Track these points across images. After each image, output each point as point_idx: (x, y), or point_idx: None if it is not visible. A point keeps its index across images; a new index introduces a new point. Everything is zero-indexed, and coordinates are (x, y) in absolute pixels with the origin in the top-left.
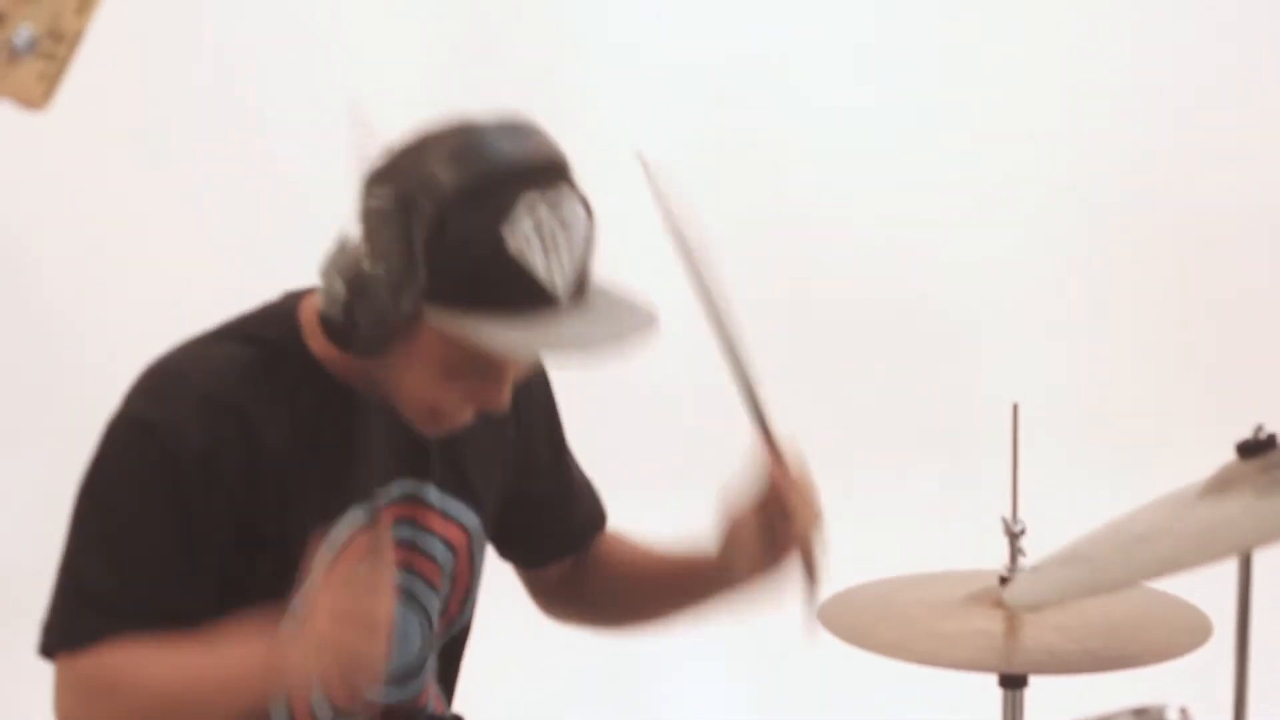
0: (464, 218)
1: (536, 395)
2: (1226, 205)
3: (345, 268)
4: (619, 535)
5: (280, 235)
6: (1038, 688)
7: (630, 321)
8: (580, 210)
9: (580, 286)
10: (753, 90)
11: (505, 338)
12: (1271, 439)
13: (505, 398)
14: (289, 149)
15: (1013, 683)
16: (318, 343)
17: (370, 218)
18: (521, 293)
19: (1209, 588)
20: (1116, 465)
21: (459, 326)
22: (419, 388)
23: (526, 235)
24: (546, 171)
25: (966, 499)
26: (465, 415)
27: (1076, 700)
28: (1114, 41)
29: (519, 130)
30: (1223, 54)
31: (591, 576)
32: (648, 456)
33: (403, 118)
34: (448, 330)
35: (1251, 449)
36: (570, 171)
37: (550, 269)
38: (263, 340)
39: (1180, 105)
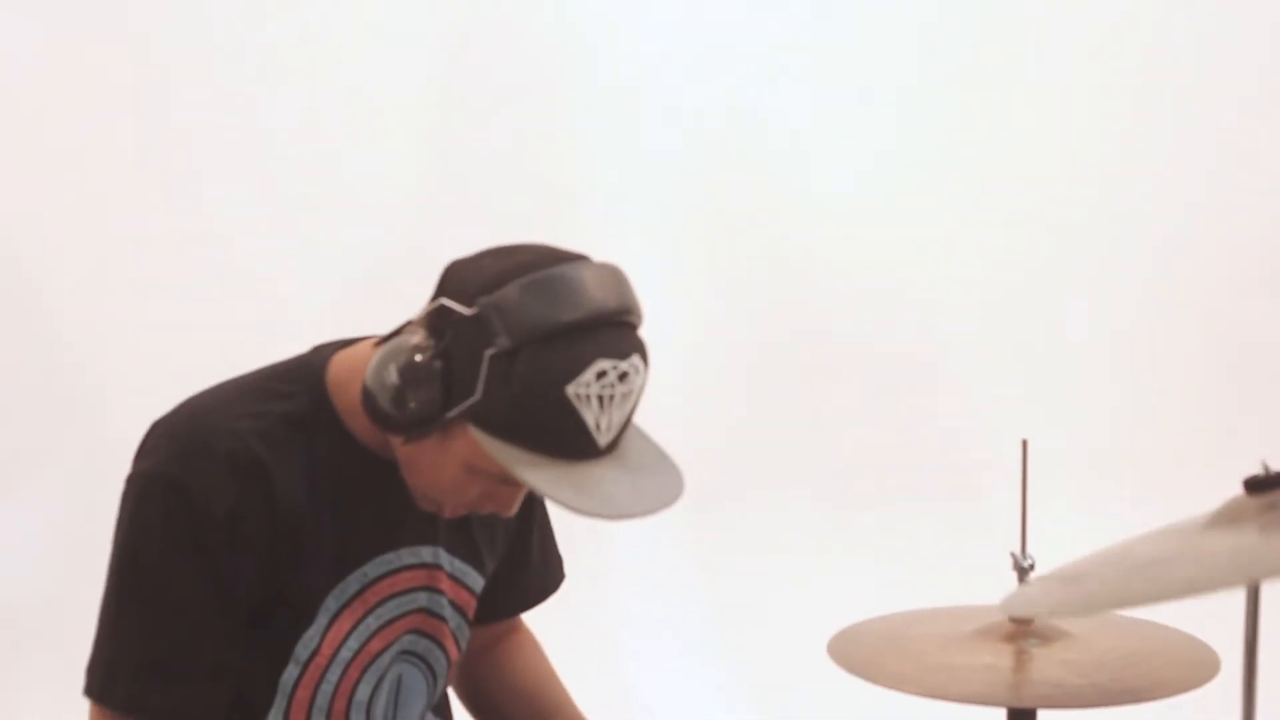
0: (535, 362)
1: None
2: (1238, 240)
3: (403, 357)
4: (541, 655)
5: (284, 238)
6: None
7: (655, 480)
8: (640, 367)
9: (620, 435)
10: (754, 130)
11: (538, 477)
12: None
13: (517, 506)
14: (292, 151)
15: (1021, 717)
16: (342, 404)
17: (442, 319)
18: (566, 445)
19: (1216, 623)
20: (1125, 501)
21: (496, 451)
22: (438, 477)
23: (587, 397)
24: (624, 338)
25: (976, 534)
26: (464, 509)
27: None
28: (1119, 75)
29: (607, 281)
30: (1238, 90)
31: (495, 667)
32: None
33: (401, 121)
34: (485, 448)
35: (1259, 485)
36: (640, 323)
37: (599, 428)
38: (288, 398)
39: (1189, 140)
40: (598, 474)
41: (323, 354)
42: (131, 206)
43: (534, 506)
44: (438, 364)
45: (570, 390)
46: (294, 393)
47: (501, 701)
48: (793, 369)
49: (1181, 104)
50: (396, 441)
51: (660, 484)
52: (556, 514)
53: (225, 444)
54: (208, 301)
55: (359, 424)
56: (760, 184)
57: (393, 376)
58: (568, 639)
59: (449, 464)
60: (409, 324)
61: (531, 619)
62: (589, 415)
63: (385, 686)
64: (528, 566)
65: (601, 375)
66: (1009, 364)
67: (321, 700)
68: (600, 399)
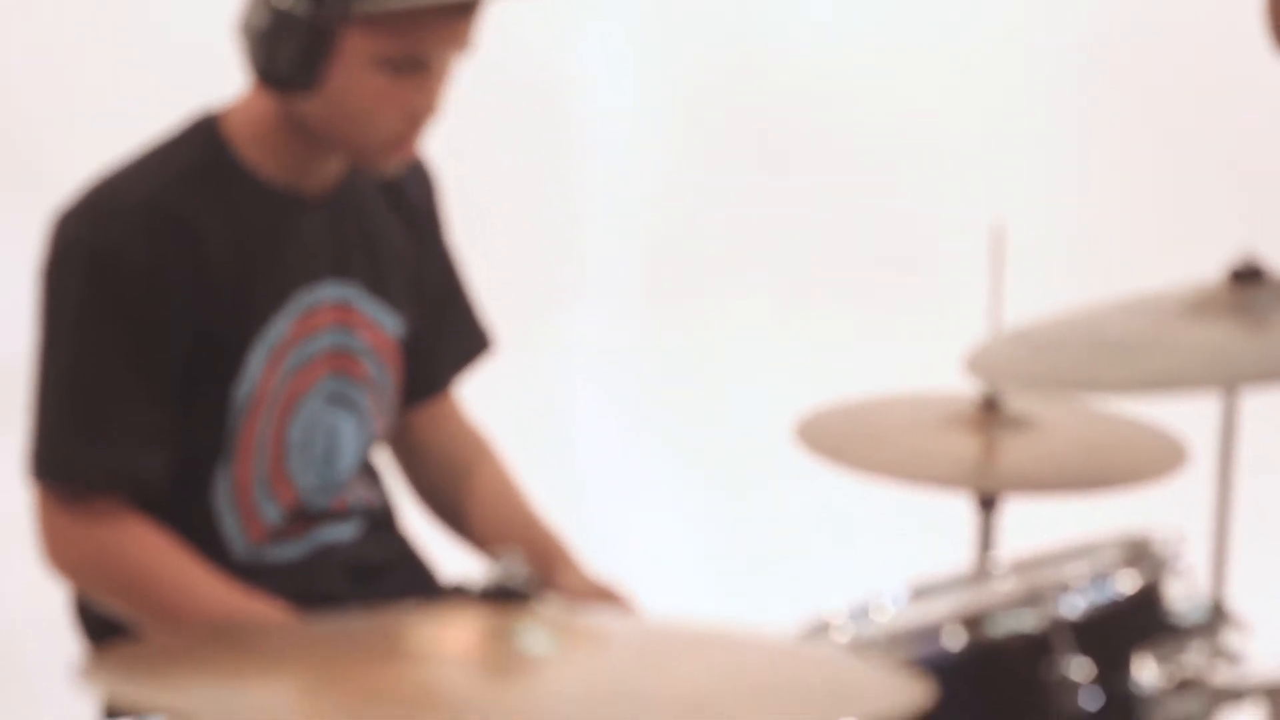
0: None
1: (426, 207)
2: (1221, 18)
3: (259, 8)
4: (493, 456)
5: None
6: (1013, 512)
7: None
8: None
9: None
10: None
11: None
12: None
13: (437, 97)
14: None
15: (988, 504)
16: (243, 146)
17: None
18: None
19: (1183, 408)
20: (1103, 288)
21: (387, 3)
22: (362, 105)
23: None
24: None
25: (949, 321)
26: (407, 143)
27: (1051, 524)
28: None
29: None
30: None
31: (442, 450)
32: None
33: None
34: (371, 10)
35: (1245, 276)
36: None
37: None
38: (187, 154)
39: None
40: None
41: (210, 117)
42: None
43: (453, 263)
44: None
45: None
46: (192, 148)
47: (467, 507)
48: (752, 152)
49: None
50: (311, 107)
51: None
52: (512, 296)
53: (134, 202)
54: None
55: (263, 163)
56: None
57: (264, 22)
58: (519, 430)
59: (360, 77)
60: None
61: (484, 410)
62: None
63: (319, 434)
64: (453, 324)
65: None
66: (980, 144)
67: (261, 445)
68: None
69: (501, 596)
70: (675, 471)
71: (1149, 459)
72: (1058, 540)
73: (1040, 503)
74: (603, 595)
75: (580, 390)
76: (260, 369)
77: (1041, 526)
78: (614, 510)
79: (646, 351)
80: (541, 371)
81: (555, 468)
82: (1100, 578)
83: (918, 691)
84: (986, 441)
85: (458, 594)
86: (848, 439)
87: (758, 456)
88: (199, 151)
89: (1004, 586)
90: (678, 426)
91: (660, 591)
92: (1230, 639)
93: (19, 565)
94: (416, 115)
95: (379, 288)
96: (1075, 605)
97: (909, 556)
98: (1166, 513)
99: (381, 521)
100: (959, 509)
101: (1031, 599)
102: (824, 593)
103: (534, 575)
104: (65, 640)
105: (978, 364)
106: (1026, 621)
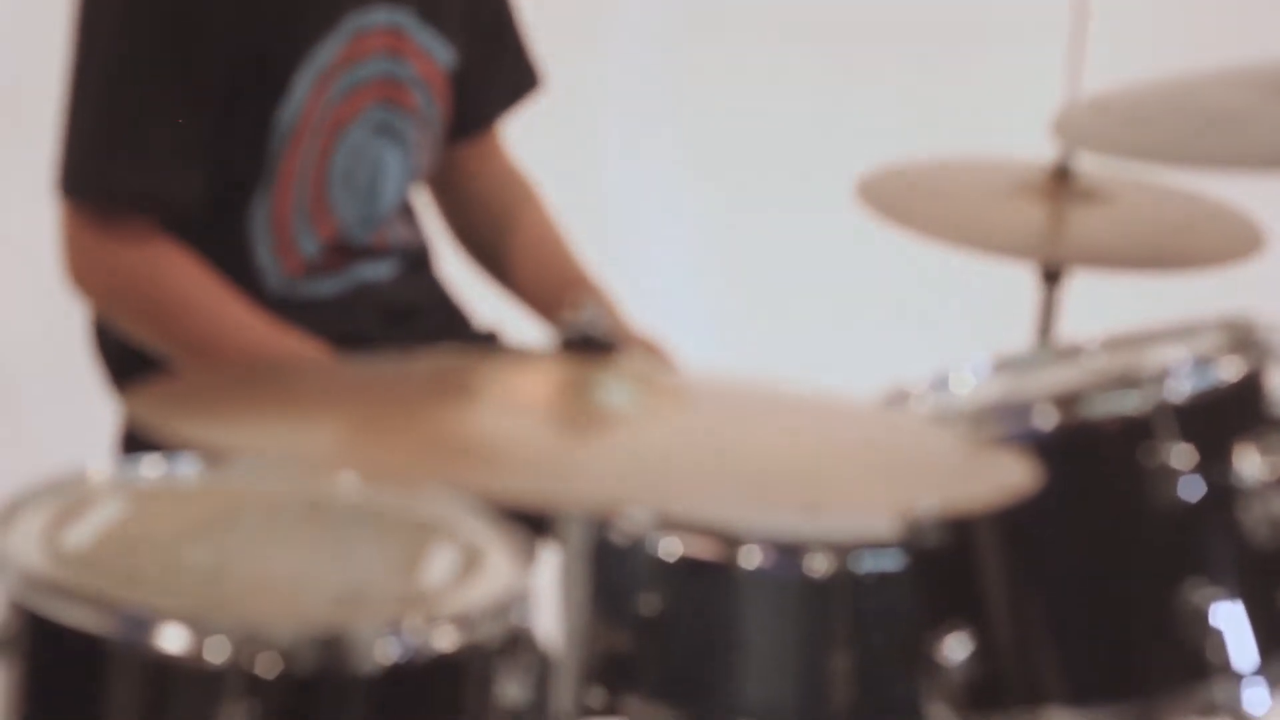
0: None
1: None
2: None
3: None
4: (537, 200)
5: None
6: (1078, 289)
7: None
8: None
9: None
10: None
11: None
12: None
13: None
14: None
15: (1053, 276)
16: None
17: None
18: None
19: (1257, 191)
20: (1192, 57)
21: None
22: None
23: None
24: None
25: (1024, 85)
26: None
27: (1116, 303)
28: None
29: None
30: None
31: (487, 193)
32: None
33: None
34: None
35: None
36: None
37: None
38: None
39: None
40: None
41: None
42: None
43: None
44: None
45: None
46: None
47: (508, 252)
48: None
49: None
50: None
51: None
52: (544, 32)
53: None
54: None
55: None
56: None
57: None
58: (551, 177)
59: None
60: None
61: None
62: None
63: (363, 164)
64: (504, 58)
65: None
66: None
67: (302, 173)
68: None
69: (582, 347)
70: (720, 229)
71: (1224, 241)
72: (1123, 319)
73: (1106, 279)
74: (645, 350)
75: (616, 138)
76: (306, 93)
77: (1107, 305)
78: (656, 268)
79: (688, 98)
80: (575, 116)
81: (589, 218)
82: (1202, 362)
83: (1021, 470)
84: (1056, 211)
85: (491, 340)
86: (910, 200)
87: (811, 214)
88: None
89: (1094, 365)
90: (727, 181)
91: (703, 353)
92: None
93: (23, 286)
94: None
95: (432, 15)
96: (1179, 389)
97: (968, 327)
98: (1239, 299)
99: (419, 262)
100: (1022, 281)
101: (1132, 380)
102: (880, 361)
103: (616, 326)
104: (78, 365)
105: (1060, 129)
106: (1128, 403)
